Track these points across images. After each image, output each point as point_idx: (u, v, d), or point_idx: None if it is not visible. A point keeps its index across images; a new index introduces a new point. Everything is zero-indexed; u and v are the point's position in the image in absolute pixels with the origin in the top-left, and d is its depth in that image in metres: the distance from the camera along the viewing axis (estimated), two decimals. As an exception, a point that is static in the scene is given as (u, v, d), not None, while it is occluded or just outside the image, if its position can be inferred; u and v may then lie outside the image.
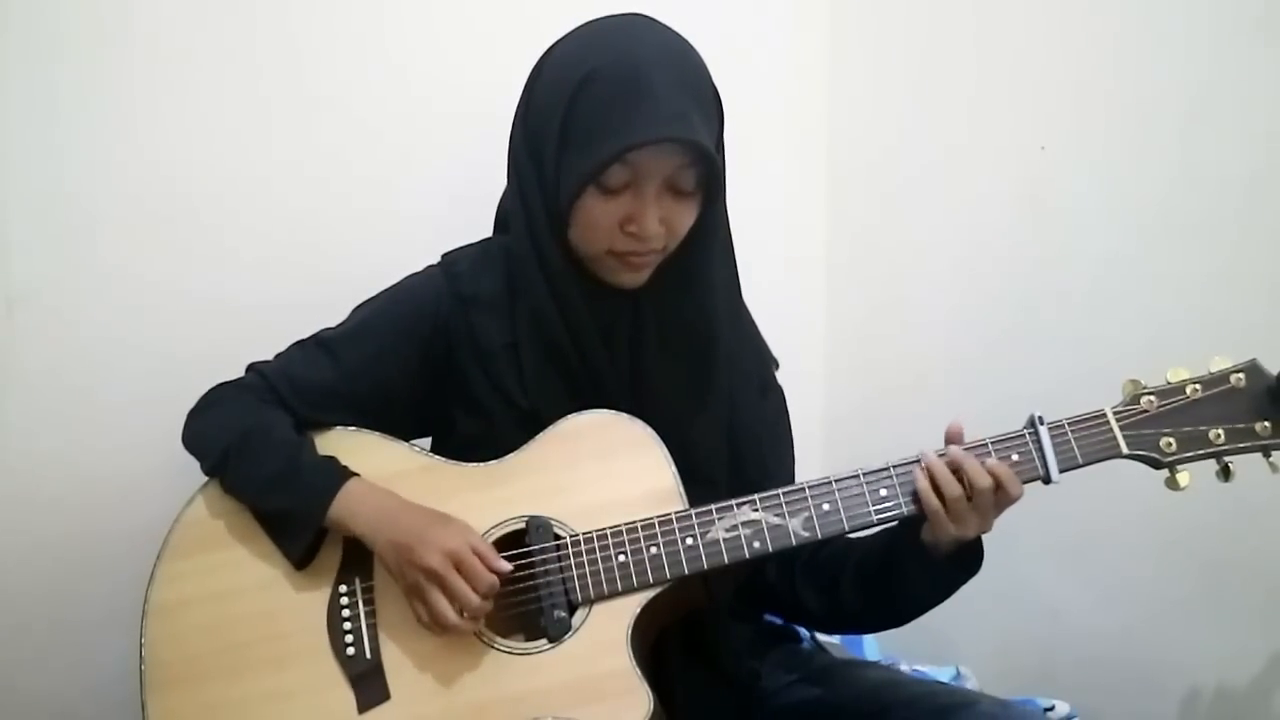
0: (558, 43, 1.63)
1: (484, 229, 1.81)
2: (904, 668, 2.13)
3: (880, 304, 2.60)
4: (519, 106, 1.66)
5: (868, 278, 2.62)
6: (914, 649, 2.24)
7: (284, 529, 1.59)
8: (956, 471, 1.52)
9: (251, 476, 1.61)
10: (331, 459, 1.61)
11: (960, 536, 1.53)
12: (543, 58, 1.64)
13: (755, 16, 2.51)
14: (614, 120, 1.50)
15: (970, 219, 2.40)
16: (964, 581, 1.61)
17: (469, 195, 1.88)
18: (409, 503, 1.57)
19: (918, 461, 1.54)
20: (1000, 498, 1.52)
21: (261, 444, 1.61)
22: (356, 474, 1.60)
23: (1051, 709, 2.01)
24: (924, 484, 1.52)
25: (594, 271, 1.63)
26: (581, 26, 1.62)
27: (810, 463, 1.89)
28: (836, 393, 2.67)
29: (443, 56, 2.18)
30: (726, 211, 1.68)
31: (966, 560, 1.59)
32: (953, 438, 1.56)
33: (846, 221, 2.65)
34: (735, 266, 1.72)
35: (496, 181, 1.76)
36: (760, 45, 2.49)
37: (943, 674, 2.19)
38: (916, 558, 1.58)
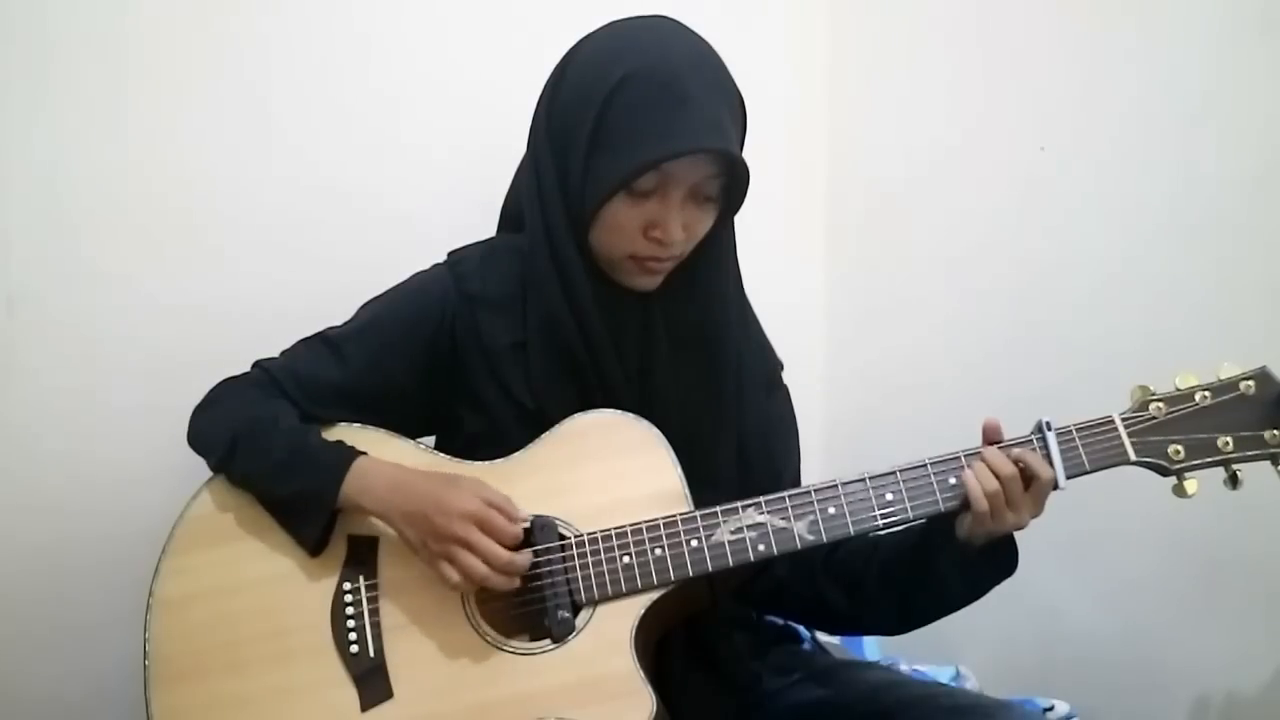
0: (584, 42, 1.63)
1: (487, 229, 1.81)
2: (904, 668, 2.13)
3: (880, 304, 2.60)
4: (540, 105, 1.66)
5: (868, 278, 2.63)
6: (914, 649, 2.23)
7: (297, 513, 1.59)
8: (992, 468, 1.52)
9: (261, 464, 1.60)
10: (339, 441, 1.62)
11: (994, 531, 1.52)
12: (568, 57, 1.64)
13: (755, 16, 2.51)
14: (652, 126, 1.51)
15: (970, 219, 2.40)
16: (998, 581, 1.60)
17: (470, 196, 1.88)
18: (417, 471, 1.58)
19: (924, 465, 1.54)
20: (1035, 488, 1.51)
21: (269, 432, 1.61)
22: (364, 452, 1.60)
23: (1051, 709, 2.01)
24: (972, 479, 1.51)
25: (609, 274, 1.64)
26: (607, 27, 1.62)
27: (811, 463, 1.89)
28: (837, 393, 2.67)
29: (443, 57, 2.18)
30: (733, 219, 1.68)
31: (1000, 559, 1.58)
32: (990, 433, 1.56)
33: (846, 221, 2.65)
34: (739, 269, 1.73)
35: (500, 182, 1.77)
36: (760, 45, 2.49)
37: (943, 674, 2.19)
38: (951, 555, 1.57)
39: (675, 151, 1.50)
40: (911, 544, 1.62)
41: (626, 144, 1.52)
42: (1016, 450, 1.52)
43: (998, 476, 1.50)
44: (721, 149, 1.52)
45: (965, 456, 1.54)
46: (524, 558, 1.51)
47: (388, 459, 1.62)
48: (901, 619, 1.72)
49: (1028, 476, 1.51)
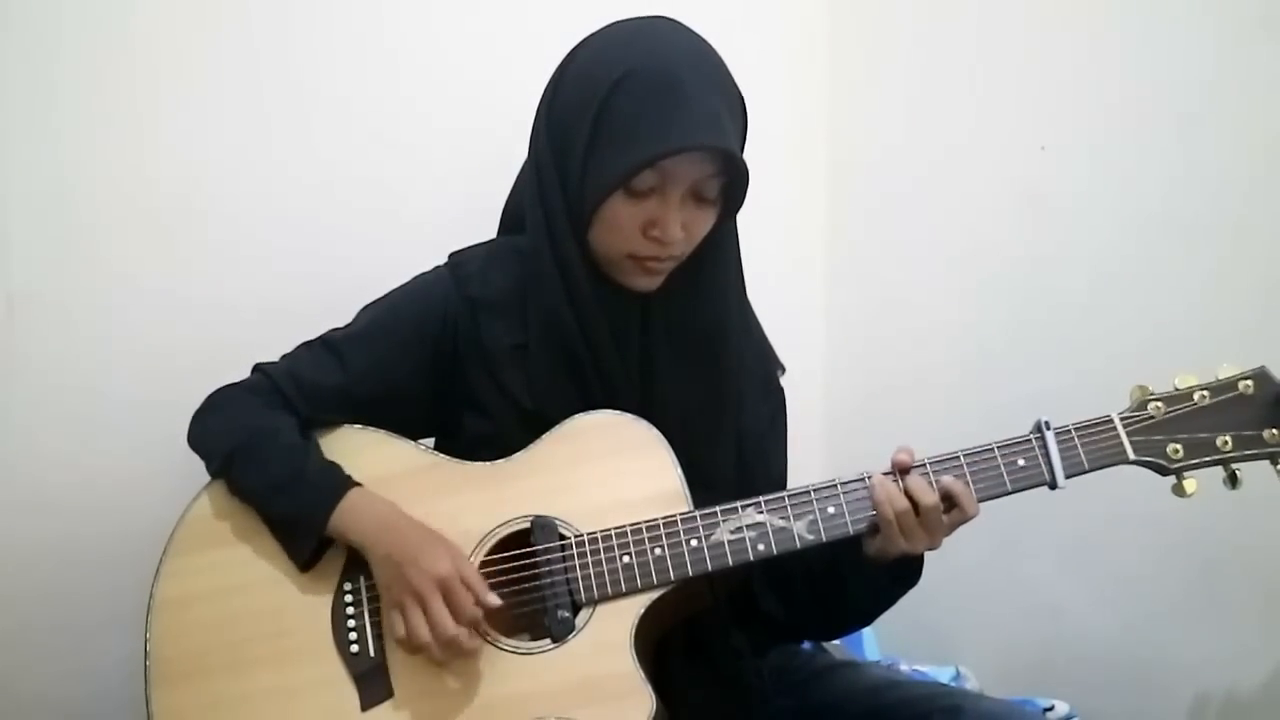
0: (583, 43, 1.63)
1: (488, 229, 1.80)
2: (904, 668, 2.14)
3: (880, 304, 2.60)
4: (541, 105, 1.66)
5: (868, 278, 2.63)
6: (914, 649, 2.23)
7: (288, 534, 1.59)
8: (905, 489, 1.52)
9: (256, 480, 1.61)
10: (335, 466, 1.61)
11: (908, 552, 1.53)
12: (569, 57, 1.64)
13: (755, 16, 2.51)
14: (650, 124, 1.50)
15: (970, 219, 2.40)
16: (901, 595, 1.62)
17: (471, 196, 1.88)
18: (408, 518, 1.57)
19: (922, 465, 1.54)
20: (954, 517, 1.52)
21: (266, 448, 1.61)
22: (359, 484, 1.60)
23: (1051, 709, 2.01)
24: (881, 495, 1.52)
25: (609, 274, 1.63)
26: (607, 27, 1.62)
27: (811, 463, 1.89)
28: (836, 392, 2.68)
29: (443, 56, 2.18)
30: (736, 221, 1.68)
31: (905, 574, 1.60)
32: (899, 461, 1.55)
33: (846, 221, 2.65)
34: (742, 271, 1.73)
35: (501, 182, 1.76)
36: (760, 45, 2.49)
37: (943, 674, 2.19)
38: (859, 570, 1.59)
39: (672, 149, 1.50)
40: (828, 556, 1.62)
41: (624, 142, 1.52)
42: (947, 480, 1.52)
43: (917, 504, 1.51)
44: (719, 146, 1.52)
45: (964, 456, 1.54)
46: (471, 643, 1.50)
47: (388, 460, 1.63)
48: (826, 627, 1.78)
49: (950, 506, 1.52)
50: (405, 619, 1.49)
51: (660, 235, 1.56)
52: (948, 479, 1.52)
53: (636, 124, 1.51)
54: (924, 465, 1.54)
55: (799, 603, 1.69)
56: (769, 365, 1.82)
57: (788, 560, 1.59)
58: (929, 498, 1.50)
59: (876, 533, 1.54)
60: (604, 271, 1.64)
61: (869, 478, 1.54)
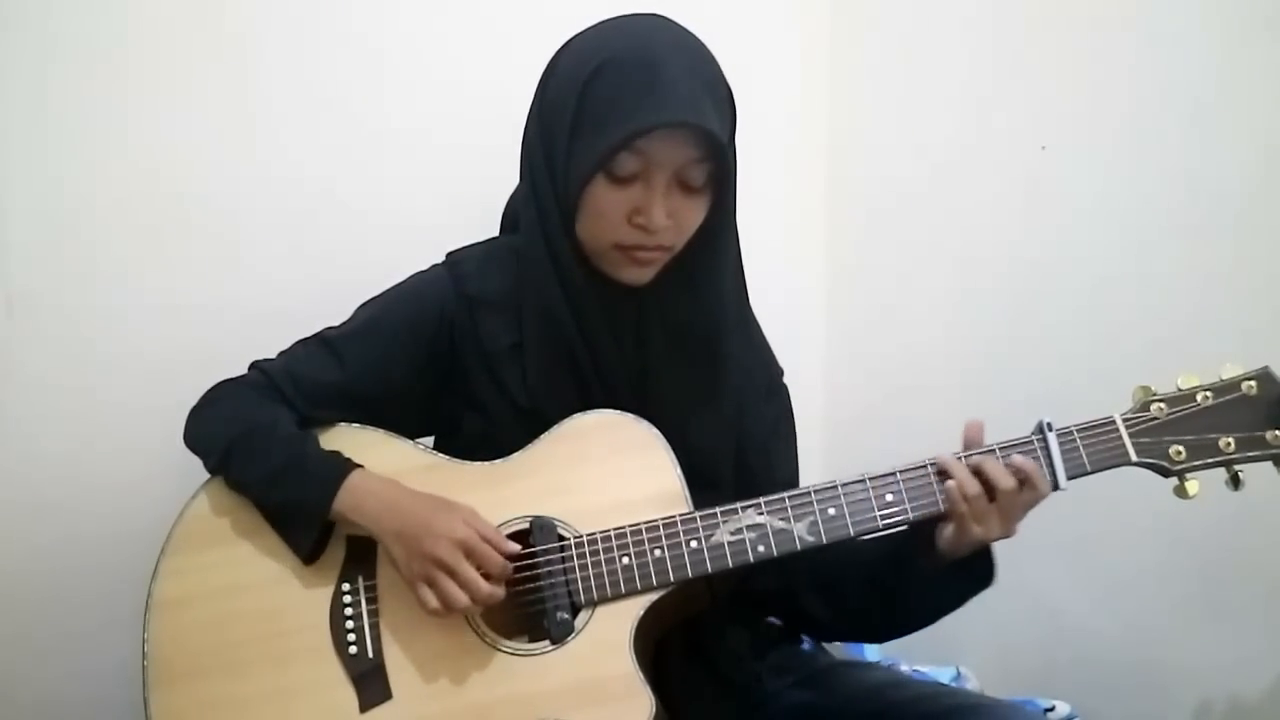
0: (572, 39, 1.63)
1: (486, 229, 1.80)
2: (904, 668, 2.14)
3: (880, 304, 2.60)
4: (533, 103, 1.66)
5: (868, 278, 2.62)
6: (914, 649, 2.23)
7: (290, 523, 1.59)
8: (977, 472, 1.51)
9: (255, 471, 1.60)
10: (335, 453, 1.61)
11: (984, 539, 1.52)
12: (557, 54, 1.64)
13: (756, 16, 2.51)
14: (626, 105, 1.49)
15: (970, 219, 2.40)
16: (976, 592, 1.60)
17: (471, 196, 1.88)
18: (412, 491, 1.57)
19: (925, 467, 1.54)
20: (1026, 497, 1.51)
21: (265, 439, 1.61)
22: (360, 465, 1.59)
23: (1051, 709, 2.01)
24: (952, 483, 1.51)
25: (600, 268, 1.63)
26: (596, 24, 1.62)
27: (811, 464, 1.88)
28: (837, 394, 2.67)
29: (444, 56, 2.18)
30: (736, 219, 1.67)
31: (978, 570, 1.58)
32: (971, 437, 1.55)
33: (846, 221, 2.65)
34: (743, 274, 1.72)
35: (498, 182, 1.76)
36: (761, 45, 2.50)
37: (943, 674, 2.19)
38: (929, 564, 1.57)
39: (646, 125, 1.48)
40: (890, 555, 1.61)
41: (603, 124, 1.51)
42: (1018, 459, 1.51)
43: (995, 488, 1.49)
44: (691, 122, 1.50)
45: (965, 458, 1.53)
46: (501, 594, 1.51)
47: (387, 460, 1.62)
48: (884, 629, 1.75)
49: (1024, 486, 1.51)
50: (436, 589, 1.49)
51: (645, 222, 1.55)
52: (1019, 458, 1.51)
53: (613, 107, 1.51)
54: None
55: (851, 604, 1.68)
56: (770, 370, 1.82)
57: (832, 567, 1.61)
58: (1008, 481, 1.49)
59: (947, 522, 1.53)
60: (597, 266, 1.63)
61: (926, 466, 1.54)
